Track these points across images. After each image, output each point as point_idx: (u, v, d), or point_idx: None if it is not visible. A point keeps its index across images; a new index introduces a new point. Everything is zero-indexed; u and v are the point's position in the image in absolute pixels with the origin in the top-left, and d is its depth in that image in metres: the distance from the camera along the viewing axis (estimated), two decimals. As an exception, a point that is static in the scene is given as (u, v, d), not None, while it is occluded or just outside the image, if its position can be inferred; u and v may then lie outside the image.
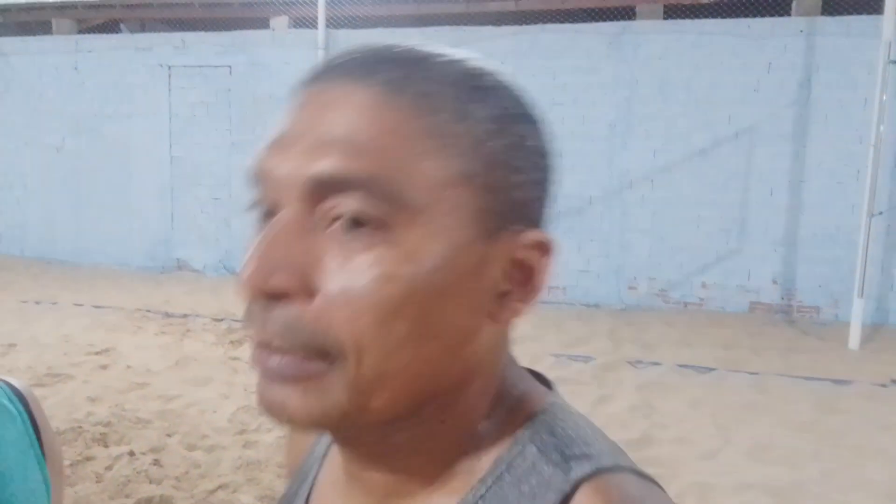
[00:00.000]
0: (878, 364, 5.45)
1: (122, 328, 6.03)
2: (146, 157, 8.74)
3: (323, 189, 0.41)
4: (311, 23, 7.96)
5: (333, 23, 7.86)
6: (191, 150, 8.58)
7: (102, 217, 8.96)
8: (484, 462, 0.47)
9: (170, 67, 8.58)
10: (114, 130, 8.85)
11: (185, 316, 6.47)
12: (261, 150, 0.45)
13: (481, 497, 0.45)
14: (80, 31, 9.37)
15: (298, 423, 0.42)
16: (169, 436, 3.82)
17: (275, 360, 0.42)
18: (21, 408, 0.79)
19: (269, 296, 0.41)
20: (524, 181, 0.45)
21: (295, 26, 8.30)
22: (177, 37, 8.65)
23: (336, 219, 0.41)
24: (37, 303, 6.77)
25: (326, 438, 0.60)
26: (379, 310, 0.40)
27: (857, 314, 5.91)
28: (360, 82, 0.42)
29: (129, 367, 4.98)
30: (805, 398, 4.68)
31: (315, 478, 0.57)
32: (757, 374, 5.15)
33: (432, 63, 0.44)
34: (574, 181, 7.16)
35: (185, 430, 3.91)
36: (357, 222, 0.41)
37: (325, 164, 0.41)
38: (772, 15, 6.90)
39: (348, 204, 0.40)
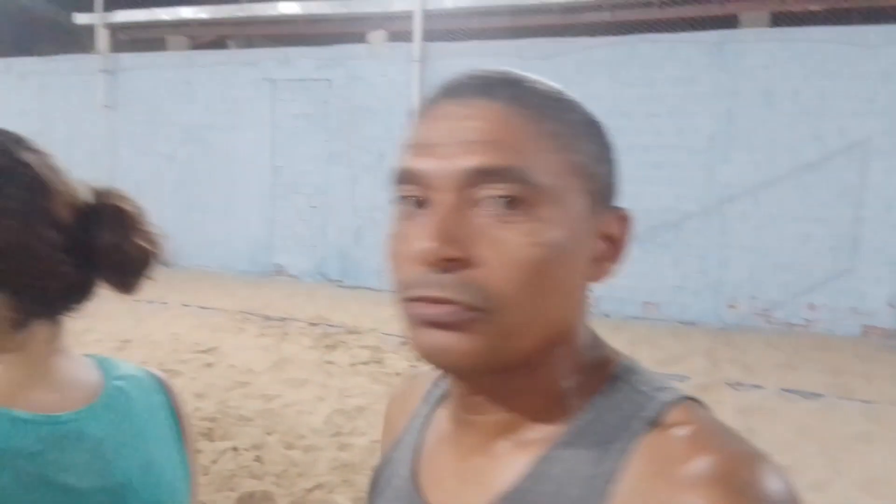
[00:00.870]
0: None
1: (225, 329, 6.33)
2: (249, 167, 9.16)
3: (475, 178, 0.53)
4: (407, 36, 8.13)
5: (429, 36, 8.01)
6: (291, 159, 8.93)
7: (209, 223, 9.45)
8: (585, 397, 0.58)
9: (273, 81, 8.97)
10: (220, 141, 9.34)
11: (283, 319, 6.72)
12: (410, 154, 0.56)
13: (588, 422, 0.56)
14: (193, 48, 9.95)
15: (456, 361, 0.53)
16: (269, 434, 3.98)
17: (443, 310, 0.52)
18: (166, 397, 0.86)
19: (444, 263, 0.52)
20: (609, 170, 0.59)
21: (392, 40, 8.51)
22: (280, 52, 9.04)
23: (484, 201, 0.53)
24: (149, 302, 7.21)
25: (423, 411, 0.70)
26: (529, 270, 0.52)
27: None
28: (487, 97, 0.55)
29: (232, 366, 5.22)
30: (925, 430, 4.35)
31: (418, 444, 0.67)
32: (870, 402, 4.84)
33: (530, 83, 0.57)
34: (670, 195, 6.97)
35: (283, 429, 4.06)
36: (504, 202, 0.52)
37: (477, 159, 0.53)
38: (887, 22, 6.50)
39: (496, 189, 0.52)
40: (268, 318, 6.79)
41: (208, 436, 3.91)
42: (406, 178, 0.56)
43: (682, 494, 0.47)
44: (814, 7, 6.72)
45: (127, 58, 9.99)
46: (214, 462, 3.58)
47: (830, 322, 6.72)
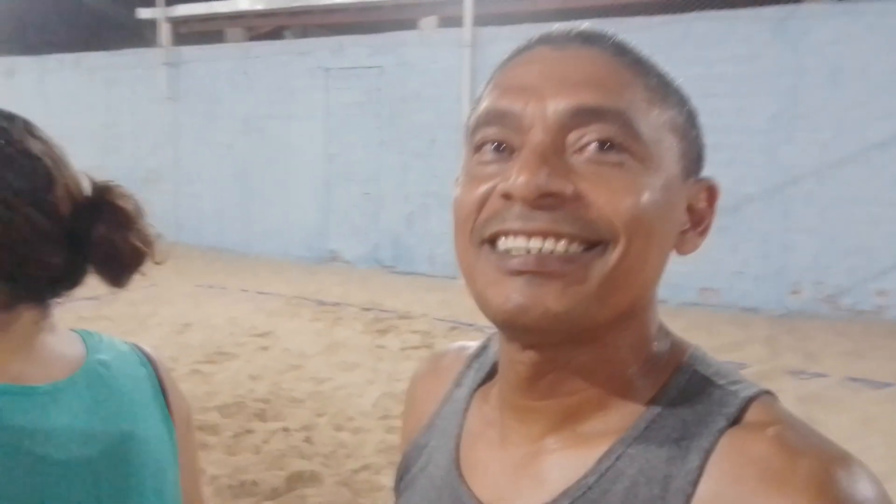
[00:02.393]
0: None
1: (280, 313, 6.48)
2: (304, 155, 9.31)
3: (577, 118, 0.49)
4: (457, 22, 8.09)
5: (480, 20, 7.94)
6: (344, 147, 9.04)
7: (266, 210, 9.67)
8: (652, 387, 0.53)
9: (327, 70, 9.07)
10: (276, 130, 9.52)
11: (336, 304, 6.84)
12: (497, 97, 0.52)
13: (658, 414, 0.52)
14: (250, 39, 10.16)
15: (552, 317, 0.48)
16: (319, 416, 4.06)
17: (532, 259, 0.48)
18: (151, 371, 0.87)
19: (545, 195, 0.48)
20: (699, 140, 0.56)
21: (443, 26, 8.48)
22: (334, 41, 9.13)
23: (586, 145, 0.49)
24: (209, 287, 7.45)
25: (458, 394, 0.64)
26: (637, 209, 0.49)
27: None
28: (590, 45, 0.52)
29: (286, 349, 5.35)
30: None
31: (458, 431, 0.61)
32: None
33: (631, 44, 0.55)
34: (729, 177, 6.73)
35: (333, 411, 4.14)
36: (607, 144, 0.49)
37: (583, 96, 0.49)
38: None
39: (601, 130, 0.49)
40: (321, 303, 6.92)
41: (261, 416, 4.02)
42: (491, 118, 0.52)
43: (775, 499, 0.44)
44: (885, -23, 6.36)
45: (187, 50, 10.28)
46: (266, 442, 3.68)
47: (901, 309, 6.39)
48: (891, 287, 6.42)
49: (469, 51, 7.89)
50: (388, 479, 3.32)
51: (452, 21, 8.25)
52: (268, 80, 9.54)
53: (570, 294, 0.48)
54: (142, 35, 10.80)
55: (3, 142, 0.73)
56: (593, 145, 0.49)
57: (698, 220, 0.56)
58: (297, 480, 3.26)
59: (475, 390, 0.64)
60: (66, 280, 0.78)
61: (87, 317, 5.31)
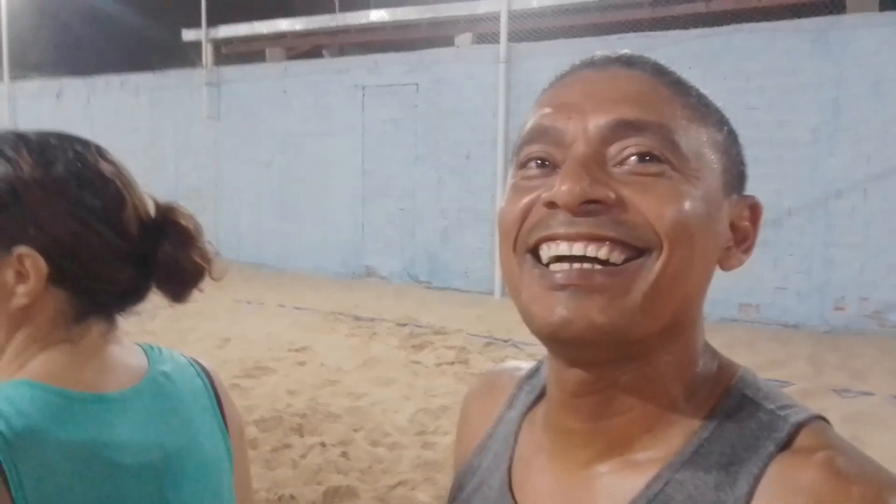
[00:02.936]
0: None
1: (317, 328, 6.55)
2: (341, 171, 9.43)
3: (617, 132, 0.51)
4: (493, 38, 8.14)
5: (515, 37, 7.98)
6: (380, 164, 9.13)
7: (303, 226, 9.81)
8: (699, 410, 0.53)
9: (363, 87, 9.20)
10: (314, 147, 9.67)
11: (372, 320, 6.89)
12: (541, 115, 0.54)
13: (706, 439, 0.51)
14: (289, 59, 10.37)
15: (597, 330, 0.49)
16: (356, 431, 4.09)
17: (575, 274, 0.49)
18: (208, 383, 0.91)
19: (590, 202, 0.49)
20: (741, 157, 0.57)
21: (478, 42, 8.54)
22: (370, 59, 9.26)
23: (626, 157, 0.51)
24: (248, 303, 7.57)
25: (510, 416, 0.65)
26: (680, 217, 0.50)
27: None
28: (629, 68, 0.54)
29: (322, 364, 5.40)
30: None
31: (510, 455, 0.62)
32: None
33: (669, 67, 0.56)
34: (769, 191, 6.62)
35: (369, 426, 4.16)
36: (648, 156, 0.51)
37: (623, 111, 0.51)
38: None
39: (641, 142, 0.51)
40: (358, 318, 6.98)
41: (298, 431, 4.06)
42: (535, 135, 0.54)
43: None
44: (930, -14, 6.22)
45: (229, 70, 10.53)
46: (303, 456, 3.72)
47: (952, 326, 6.17)
48: (941, 303, 6.21)
49: (504, 67, 7.93)
50: (424, 496, 3.33)
51: (488, 38, 8.31)
52: (306, 99, 9.71)
53: (614, 306, 0.49)
54: (185, 56, 11.11)
55: (79, 164, 0.78)
56: (634, 157, 0.51)
57: (742, 238, 0.56)
58: (334, 495, 3.28)
59: (525, 413, 0.64)
60: (132, 295, 0.83)
61: (130, 332, 5.41)
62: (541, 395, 0.64)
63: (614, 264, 0.49)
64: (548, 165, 0.53)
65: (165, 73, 11.09)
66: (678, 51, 6.92)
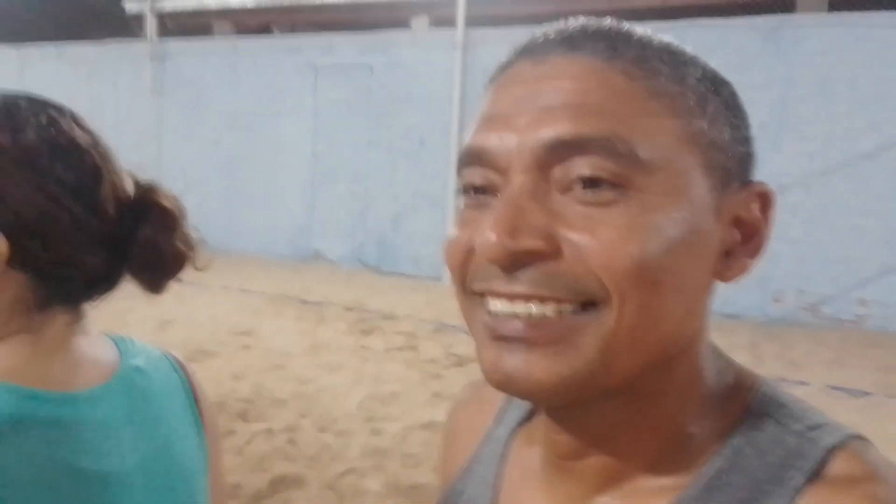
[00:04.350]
0: None
1: (263, 312, 6.40)
2: (291, 152, 9.23)
3: (556, 153, 0.41)
4: (450, 22, 8.06)
5: (472, 21, 7.92)
6: (332, 146, 8.97)
7: (250, 207, 9.58)
8: (712, 436, 0.45)
9: (316, 67, 9.01)
10: (263, 127, 9.43)
11: (320, 304, 6.77)
12: (476, 131, 0.45)
13: (721, 469, 0.44)
14: (238, 35, 10.06)
15: (543, 389, 0.42)
16: (303, 417, 4.00)
17: (520, 325, 0.42)
18: (184, 378, 0.84)
19: (518, 256, 0.41)
20: (740, 137, 0.46)
21: (434, 26, 8.44)
22: (323, 38, 9.07)
23: (572, 182, 0.42)
24: (190, 284, 7.34)
25: (498, 435, 0.57)
26: (633, 258, 0.40)
27: None
28: (575, 52, 0.44)
29: (268, 348, 5.28)
30: (983, 435, 4.14)
31: (496, 481, 0.55)
32: (924, 403, 4.63)
33: (635, 34, 0.45)
34: (717, 185, 6.77)
35: (317, 412, 4.08)
36: (595, 182, 0.41)
37: (559, 129, 0.41)
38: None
39: (585, 165, 0.41)
40: (305, 302, 6.85)
41: (243, 417, 3.95)
42: (470, 158, 0.45)
43: None
44: (874, -10, 6.43)
45: (174, 44, 10.15)
46: (248, 443, 3.61)
47: (882, 318, 6.45)
48: (872, 297, 6.48)
49: (461, 52, 7.86)
50: (373, 483, 3.27)
51: (444, 21, 8.22)
52: (255, 77, 9.45)
53: (561, 363, 0.41)
54: (128, 27, 10.66)
55: (52, 132, 0.68)
56: (582, 184, 0.41)
57: (750, 234, 0.46)
58: (281, 483, 3.20)
59: (515, 431, 0.57)
60: (103, 282, 0.74)
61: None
62: (534, 410, 0.56)
63: (565, 317, 0.42)
64: (487, 192, 0.44)
65: (106, 45, 10.62)
66: (633, 43, 6.97)
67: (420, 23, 8.53)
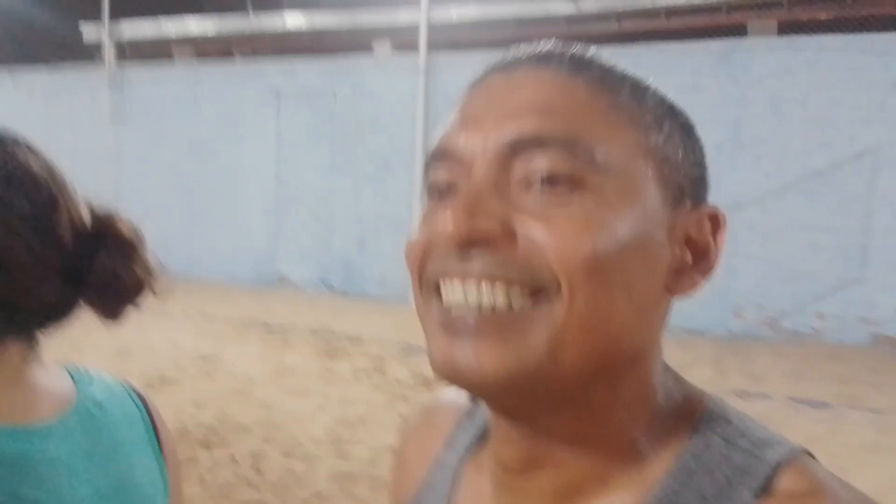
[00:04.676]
0: None
1: (226, 338, 6.28)
2: (254, 178, 9.15)
3: (518, 149, 0.43)
4: (412, 47, 8.14)
5: (434, 47, 8.01)
6: (295, 171, 8.92)
7: (213, 234, 9.44)
8: (663, 454, 0.45)
9: (278, 93, 8.98)
10: (226, 153, 9.35)
11: (284, 328, 6.67)
12: (444, 133, 0.47)
13: (674, 491, 0.44)
14: (199, 61, 9.99)
15: (491, 381, 0.42)
16: (267, 443, 3.91)
17: (471, 316, 0.42)
18: (142, 407, 0.81)
19: (473, 241, 0.42)
20: (694, 160, 0.48)
21: (397, 51, 8.51)
22: (286, 64, 9.06)
23: (531, 178, 0.43)
24: (152, 312, 7.16)
25: (448, 460, 0.57)
26: (586, 250, 0.41)
27: None
28: (544, 66, 0.46)
29: (232, 374, 5.17)
30: (938, 442, 4.24)
31: (450, 501, 0.54)
32: (879, 412, 4.74)
33: (600, 58, 0.48)
34: (677, 203, 6.92)
35: (282, 438, 3.99)
36: (553, 179, 0.43)
37: (523, 124, 0.43)
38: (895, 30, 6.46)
39: (544, 162, 0.43)
40: (270, 326, 6.75)
41: (206, 444, 3.84)
42: (437, 156, 0.47)
43: None
44: (822, 16, 6.69)
45: (133, 71, 10.04)
46: (211, 471, 3.51)
47: (839, 331, 6.61)
48: (829, 311, 6.64)
49: (423, 76, 7.93)
50: (340, 507, 3.20)
51: (407, 46, 8.30)
52: (217, 103, 9.38)
53: (509, 355, 0.41)
54: (85, 53, 10.51)
55: (9, 163, 0.67)
56: (540, 180, 0.42)
57: (701, 255, 0.47)
58: (245, 510, 3.11)
59: (465, 456, 0.55)
60: (58, 311, 0.72)
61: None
62: (485, 435, 0.55)
63: (516, 307, 0.42)
64: (451, 192, 0.46)
65: (63, 71, 10.45)
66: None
67: (382, 48, 8.60)
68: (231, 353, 5.74)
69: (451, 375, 0.43)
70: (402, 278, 8.10)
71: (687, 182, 0.47)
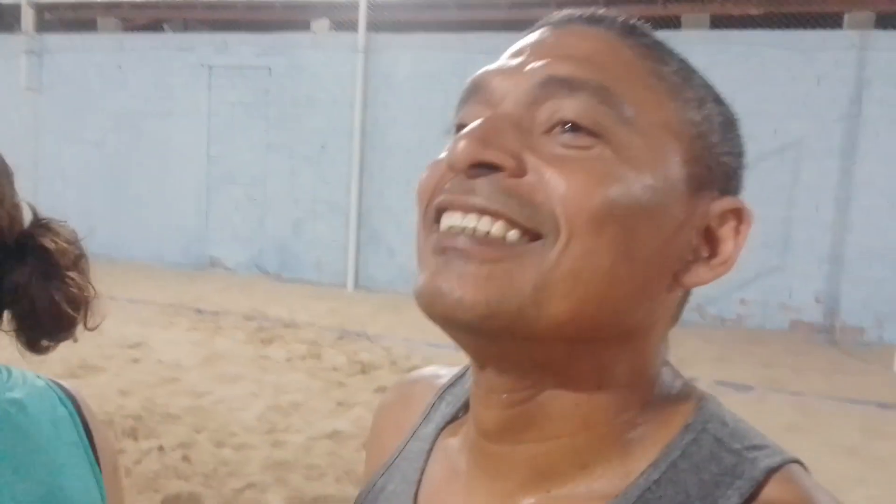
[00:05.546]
0: (927, 390, 5.23)
1: (154, 323, 6.06)
2: (184, 156, 8.83)
3: (547, 90, 0.42)
4: (351, 26, 7.97)
5: (374, 27, 7.87)
6: (227, 149, 8.65)
7: (140, 213, 9.07)
8: (650, 447, 0.44)
9: (210, 67, 8.66)
10: (153, 128, 8.97)
11: (216, 313, 6.49)
12: (483, 69, 0.46)
13: (654, 482, 0.42)
14: (125, 30, 9.53)
15: (467, 311, 0.40)
16: (198, 432, 3.80)
17: (465, 239, 0.41)
18: (73, 410, 0.74)
19: (480, 166, 0.41)
20: (730, 150, 0.47)
21: (336, 29, 8.32)
22: (218, 37, 8.74)
23: (555, 124, 0.42)
24: (72, 295, 6.84)
25: (424, 432, 0.55)
26: (594, 202, 0.40)
27: (905, 337, 5.68)
28: (596, 26, 0.46)
29: (160, 361, 4.99)
30: (849, 421, 4.50)
31: (421, 475, 0.52)
32: (799, 394, 4.98)
33: (650, 31, 0.47)
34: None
35: (214, 427, 3.88)
36: (577, 127, 0.41)
37: (558, 67, 0.43)
38: (823, 28, 6.72)
39: (571, 107, 0.41)
40: (200, 311, 6.54)
41: (132, 435, 3.70)
42: (468, 93, 0.46)
43: None
44: (753, 11, 6.89)
45: (53, 38, 9.49)
46: (138, 462, 3.39)
47: (761, 317, 6.91)
48: (751, 297, 6.93)
49: (363, 56, 7.78)
50: (275, 497, 3.15)
51: (345, 25, 8.12)
52: (144, 76, 8.97)
53: (493, 287, 0.40)
54: (2, 19, 9.86)
55: None
56: (559, 125, 0.41)
57: (717, 249, 0.45)
58: (174, 503, 3.02)
59: (443, 428, 0.54)
60: None
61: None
62: (466, 407, 0.54)
63: (511, 243, 0.41)
64: None
65: (-25, 36, 9.78)
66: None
67: (320, 25, 8.38)
68: (159, 339, 5.54)
69: (430, 302, 0.41)
70: (338, 263, 7.99)
71: (717, 168, 0.45)
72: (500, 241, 0.41)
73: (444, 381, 0.59)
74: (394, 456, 0.56)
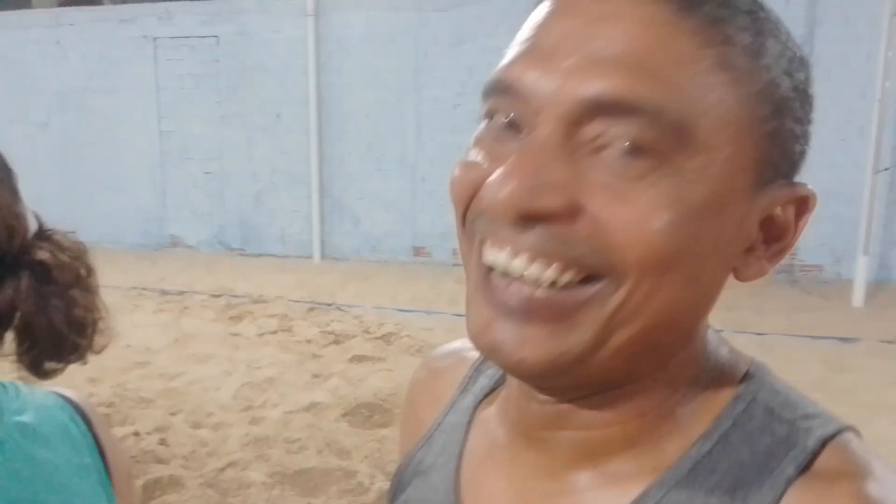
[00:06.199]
0: (883, 321, 5.42)
1: (117, 307, 5.87)
2: (134, 133, 8.55)
3: (596, 111, 0.37)
4: (298, -11, 7.73)
5: (322, -12, 7.64)
6: (180, 123, 8.40)
7: (92, 195, 8.80)
8: (700, 419, 0.43)
9: (155, 39, 8.35)
10: (100, 105, 8.65)
11: (182, 293, 6.38)
12: (513, 59, 0.40)
13: (706, 453, 0.42)
14: (61, 4, 9.10)
15: (530, 367, 0.39)
16: (173, 414, 3.76)
17: (520, 293, 0.38)
18: (85, 428, 0.70)
19: (532, 216, 0.37)
20: (801, 132, 0.42)
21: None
22: (160, 7, 8.40)
23: (605, 145, 0.37)
24: (30, 284, 6.66)
25: (462, 404, 0.54)
26: (663, 241, 0.37)
27: (862, 272, 5.87)
28: None
29: (128, 346, 4.90)
30: (812, 357, 4.65)
31: (459, 450, 0.51)
32: (762, 334, 5.12)
33: None
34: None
35: (189, 408, 3.85)
36: (636, 151, 0.37)
37: (607, 85, 0.37)
38: None
39: (624, 131, 0.37)
40: (165, 292, 6.43)
41: (105, 422, 3.65)
42: (501, 88, 0.40)
43: None
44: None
45: (-16, 16, 9.02)
46: (114, 449, 3.34)
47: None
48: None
49: (313, 20, 7.56)
50: (256, 474, 3.14)
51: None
52: (85, 51, 8.61)
53: (554, 344, 0.38)
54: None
55: None
56: (617, 149, 0.37)
57: (776, 236, 0.42)
58: (156, 488, 2.99)
59: (482, 400, 0.53)
60: None
61: None
62: (503, 378, 0.52)
63: (565, 286, 0.39)
64: (513, 130, 0.40)
65: None
66: (486, 9, 7.03)
67: (266, -11, 8.11)
68: (125, 323, 5.42)
69: (488, 351, 0.40)
70: (303, 234, 7.89)
71: (786, 159, 0.41)
72: (557, 295, 0.38)
73: (476, 353, 0.56)
74: (432, 429, 0.55)
